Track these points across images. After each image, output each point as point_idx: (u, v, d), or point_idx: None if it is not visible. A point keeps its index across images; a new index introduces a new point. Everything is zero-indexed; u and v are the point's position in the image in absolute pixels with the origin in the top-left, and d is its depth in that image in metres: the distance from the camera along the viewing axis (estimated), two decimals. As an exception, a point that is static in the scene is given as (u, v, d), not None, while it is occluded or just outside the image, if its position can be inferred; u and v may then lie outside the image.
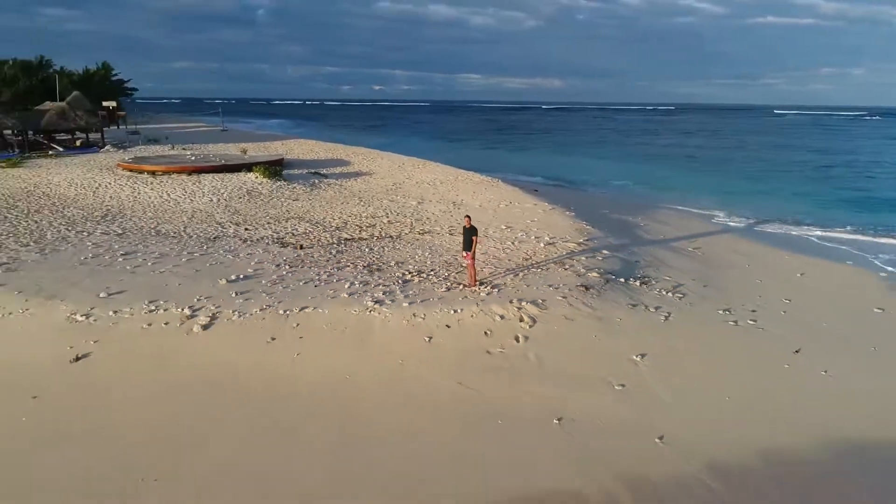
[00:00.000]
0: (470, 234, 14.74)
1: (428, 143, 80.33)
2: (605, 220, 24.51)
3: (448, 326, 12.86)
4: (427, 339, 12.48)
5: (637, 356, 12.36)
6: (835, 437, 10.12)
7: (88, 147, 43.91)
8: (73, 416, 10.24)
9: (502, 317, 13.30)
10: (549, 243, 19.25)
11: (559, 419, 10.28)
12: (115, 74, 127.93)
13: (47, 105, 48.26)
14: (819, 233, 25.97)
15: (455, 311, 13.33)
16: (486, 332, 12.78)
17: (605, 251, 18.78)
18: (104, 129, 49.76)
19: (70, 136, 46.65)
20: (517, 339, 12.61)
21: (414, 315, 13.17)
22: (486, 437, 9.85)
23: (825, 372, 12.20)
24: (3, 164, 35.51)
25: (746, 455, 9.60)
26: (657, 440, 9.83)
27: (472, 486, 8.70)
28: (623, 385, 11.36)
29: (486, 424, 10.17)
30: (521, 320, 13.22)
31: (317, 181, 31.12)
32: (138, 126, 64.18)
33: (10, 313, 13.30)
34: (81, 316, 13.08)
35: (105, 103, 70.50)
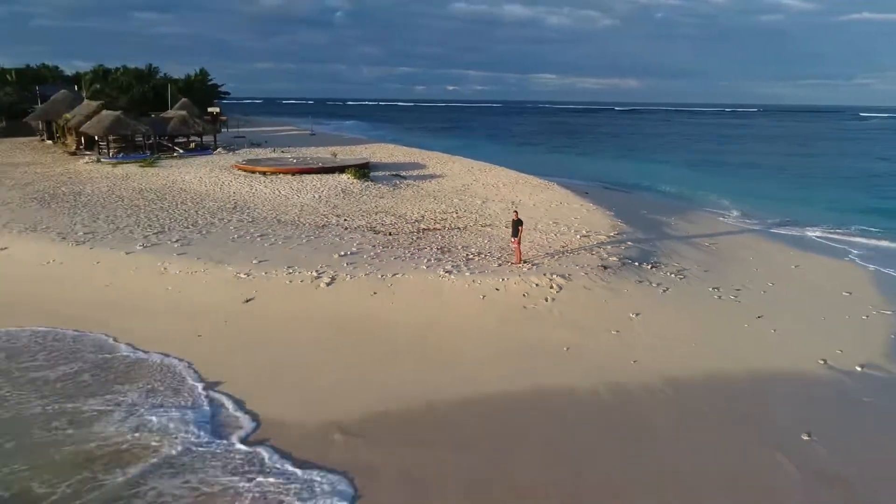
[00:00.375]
0: (517, 224, 19.77)
1: (496, 145, 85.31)
2: (640, 219, 28.88)
3: (497, 289, 17.94)
4: (482, 297, 17.62)
5: (633, 314, 17.07)
6: (759, 368, 14.59)
7: (203, 150, 51.32)
8: (250, 332, 15.96)
9: (537, 285, 18.26)
10: (585, 235, 23.98)
11: (567, 348, 15.20)
12: (211, 80, 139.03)
13: (170, 113, 56.07)
14: (831, 235, 29.23)
15: (503, 280, 18.40)
16: (524, 295, 17.78)
17: (629, 242, 23.35)
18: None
19: (185, 139, 54.32)
20: (546, 300, 17.55)
21: (473, 281, 18.32)
22: (516, 357, 14.89)
23: (774, 331, 16.55)
24: (142, 164, 43.05)
25: (694, 375, 14.24)
26: (632, 362, 14.61)
27: (506, 384, 13.77)
28: (618, 331, 16.14)
29: (518, 350, 15.21)
30: (551, 287, 18.14)
31: (398, 182, 36.73)
32: (240, 129, 71.97)
33: (195, 272, 19.35)
34: (244, 275, 18.96)
35: (210, 109, 78.89)
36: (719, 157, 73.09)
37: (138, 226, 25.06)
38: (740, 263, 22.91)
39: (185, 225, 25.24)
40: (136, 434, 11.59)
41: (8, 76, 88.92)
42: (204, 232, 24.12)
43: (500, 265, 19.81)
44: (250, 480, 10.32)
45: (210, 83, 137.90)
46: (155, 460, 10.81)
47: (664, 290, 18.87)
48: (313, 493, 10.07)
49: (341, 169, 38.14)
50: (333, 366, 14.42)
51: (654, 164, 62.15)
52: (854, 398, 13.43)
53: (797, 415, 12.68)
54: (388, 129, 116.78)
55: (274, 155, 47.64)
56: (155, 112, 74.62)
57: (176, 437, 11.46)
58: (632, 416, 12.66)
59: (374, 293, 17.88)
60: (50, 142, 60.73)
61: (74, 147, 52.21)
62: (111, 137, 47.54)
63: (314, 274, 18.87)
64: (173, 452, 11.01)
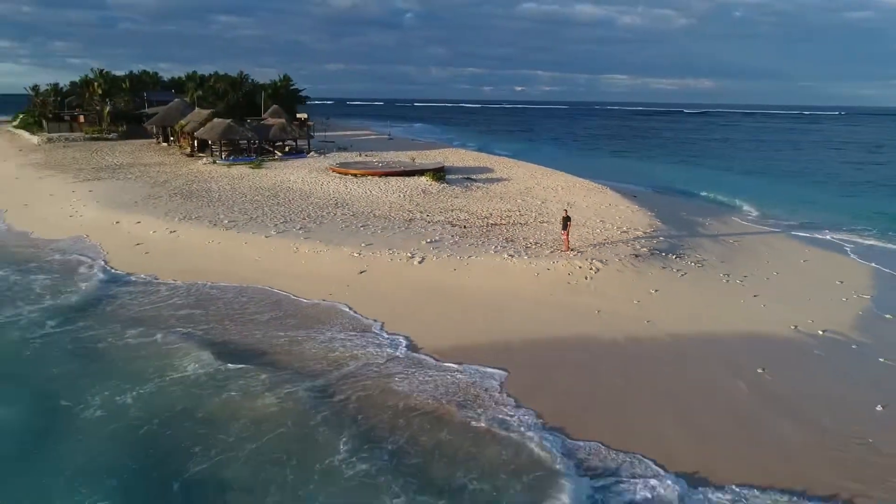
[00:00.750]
0: (566, 220, 25.18)
1: (560, 149, 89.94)
2: (677, 219, 33.59)
3: (548, 269, 23.42)
4: (536, 275, 23.14)
5: (653, 290, 22.21)
6: (742, 329, 19.53)
7: (298, 153, 58.60)
8: (370, 292, 22.02)
9: (580, 267, 23.61)
10: (624, 231, 29.07)
11: (598, 311, 20.56)
12: (293, 85, 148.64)
13: (270, 120, 63.75)
14: (848, 238, 32.85)
15: (553, 262, 23.85)
16: (568, 274, 23.18)
17: (661, 238, 28.30)
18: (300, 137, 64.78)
19: (281, 143, 61.79)
20: (585, 278, 22.90)
21: (530, 263, 23.86)
22: (561, 316, 20.34)
23: (763, 305, 21.37)
24: (251, 166, 50.51)
25: (690, 332, 19.33)
26: (646, 322, 19.83)
27: (553, 331, 19.29)
28: (638, 301, 21.36)
29: (561, 311, 20.67)
30: (591, 269, 23.46)
31: (469, 184, 42.50)
32: (327, 133, 79.53)
33: (319, 251, 25.71)
34: (356, 254, 25.16)
35: (298, 115, 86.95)
36: (775, 164, 75.34)
37: (266, 217, 31.80)
38: (755, 257, 27.48)
39: (302, 217, 31.79)
40: (340, 348, 17.86)
41: (123, 84, 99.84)
42: (318, 223, 30.58)
43: (551, 252, 25.27)
44: (425, 373, 16.45)
45: (292, 88, 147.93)
46: (356, 363, 17.02)
47: (682, 275, 23.87)
48: (482, 375, 16.33)
49: (421, 172, 44.27)
50: (433, 315, 20.30)
51: (707, 170, 65.56)
52: (807, 351, 18.25)
53: (759, 359, 17.62)
54: (456, 132, 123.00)
55: (360, 159, 54.32)
56: (250, 117, 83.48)
57: (365, 350, 17.71)
58: (641, 356, 17.92)
59: (454, 270, 23.70)
60: (165, 144, 69.74)
61: (190, 150, 60.53)
62: (222, 142, 55.37)
63: (408, 255, 24.86)
64: (376, 360, 17.19)
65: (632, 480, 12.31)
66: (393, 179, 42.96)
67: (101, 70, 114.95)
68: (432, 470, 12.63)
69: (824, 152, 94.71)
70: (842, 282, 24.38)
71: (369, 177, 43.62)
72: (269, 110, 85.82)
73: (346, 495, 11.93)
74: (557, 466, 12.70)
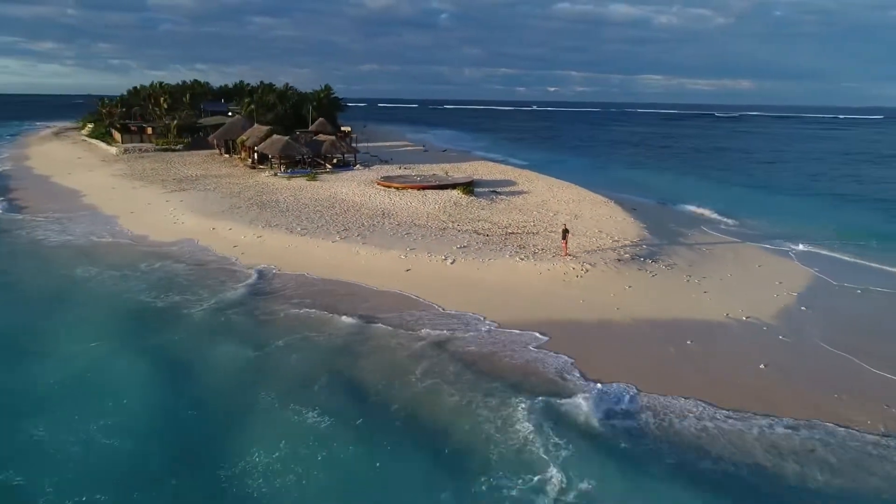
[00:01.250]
0: (565, 232, 32.65)
1: (582, 160, 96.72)
2: (664, 230, 40.67)
3: (548, 269, 30.92)
4: (539, 274, 30.65)
5: (627, 286, 29.55)
6: (685, 316, 26.77)
7: (345, 166, 66.83)
8: (417, 283, 29.80)
9: (573, 268, 31.03)
10: (615, 240, 36.35)
11: (582, 301, 28.00)
12: (333, 94, 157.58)
13: (322, 137, 72.19)
14: (807, 248, 39.53)
15: (553, 265, 31.32)
16: (564, 273, 30.64)
17: (644, 245, 35.50)
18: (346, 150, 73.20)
19: (329, 156, 70.11)
20: (576, 277, 30.33)
21: (535, 264, 31.39)
22: (556, 303, 27.82)
23: (710, 299, 28.53)
24: (307, 178, 58.85)
25: (648, 316, 26.62)
26: (616, 309, 27.21)
27: (549, 314, 26.82)
28: (614, 294, 28.73)
29: (554, 300, 28.16)
30: (581, 270, 30.86)
31: (494, 197, 50.05)
32: (369, 145, 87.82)
33: (375, 254, 33.62)
34: (402, 256, 33.00)
35: (343, 128, 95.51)
36: (777, 176, 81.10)
37: (329, 225, 39.90)
38: (720, 262, 34.51)
39: (358, 226, 39.78)
40: (411, 315, 25.76)
41: (184, 98, 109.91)
42: (371, 230, 38.51)
43: (553, 256, 32.73)
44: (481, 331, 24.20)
45: (333, 97, 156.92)
46: (444, 327, 24.87)
47: (653, 275, 31.14)
48: (531, 339, 23.99)
49: (453, 185, 52.01)
50: (466, 299, 27.94)
51: (710, 183, 71.79)
52: (728, 331, 25.44)
53: (691, 335, 24.85)
54: (486, 140, 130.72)
55: (401, 172, 62.31)
56: (298, 128, 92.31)
57: (434, 319, 25.52)
58: (610, 332, 25.30)
59: (478, 269, 31.36)
60: (227, 156, 78.78)
61: (251, 162, 69.28)
62: (281, 156, 63.90)
63: (443, 257, 32.60)
64: (463, 335, 24.99)
65: (598, 388, 19.83)
66: (430, 192, 50.75)
67: (161, 83, 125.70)
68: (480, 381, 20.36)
69: (833, 162, 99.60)
70: (781, 283, 31.34)
71: (409, 190, 51.50)
72: (316, 123, 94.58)
73: (421, 393, 19.73)
74: (567, 377, 20.41)
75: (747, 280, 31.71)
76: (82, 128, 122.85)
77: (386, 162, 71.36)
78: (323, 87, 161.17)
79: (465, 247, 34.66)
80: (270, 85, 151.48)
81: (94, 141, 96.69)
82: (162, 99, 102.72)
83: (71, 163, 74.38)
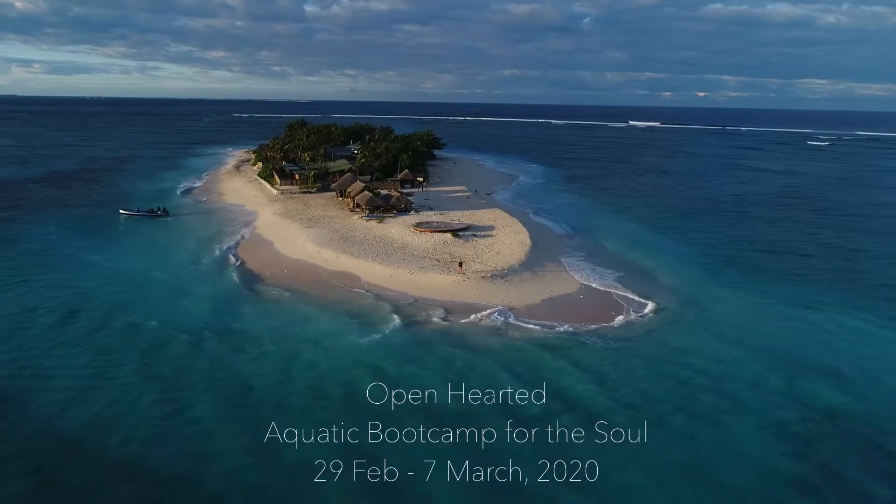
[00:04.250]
0: (460, 263, 73.52)
1: (632, 225, 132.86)
2: (542, 257, 79.43)
3: (452, 280, 71.99)
4: (450, 282, 71.72)
5: (482, 287, 69.87)
6: (483, 300, 66.90)
7: (404, 211, 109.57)
8: (394, 282, 71.92)
9: (464, 280, 71.66)
10: (498, 264, 76.16)
11: (462, 293, 68.75)
12: (433, 136, 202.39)
13: (392, 192, 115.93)
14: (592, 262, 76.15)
15: (455, 277, 72.22)
16: (460, 280, 71.47)
17: (510, 267, 75.02)
18: (412, 193, 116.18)
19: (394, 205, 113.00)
20: (462, 282, 71.08)
21: (447, 277, 72.47)
22: (451, 292, 68.74)
23: (507, 291, 68.18)
24: (377, 221, 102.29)
25: (480, 300, 66.93)
26: (473, 294, 67.80)
27: (449, 297, 68.02)
28: (477, 289, 69.26)
29: (452, 290, 69.16)
30: (466, 280, 71.48)
31: (469, 238, 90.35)
32: (428, 190, 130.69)
33: (380, 268, 76.31)
34: (393, 269, 75.40)
35: (418, 179, 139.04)
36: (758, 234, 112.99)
37: (370, 251, 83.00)
38: (541, 280, 73.25)
39: (384, 253, 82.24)
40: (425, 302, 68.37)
41: (321, 150, 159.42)
42: (388, 255, 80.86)
43: (459, 274, 73.40)
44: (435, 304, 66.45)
45: (432, 138, 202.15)
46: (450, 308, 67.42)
47: (495, 283, 70.95)
48: (425, 300, 66.05)
49: (451, 231, 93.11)
50: (410, 288, 69.52)
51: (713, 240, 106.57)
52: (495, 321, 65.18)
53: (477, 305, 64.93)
54: (571, 195, 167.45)
55: (433, 218, 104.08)
56: (390, 177, 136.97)
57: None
58: (464, 306, 65.86)
59: (420, 277, 72.86)
60: (341, 198, 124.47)
61: (351, 207, 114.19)
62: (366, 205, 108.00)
63: (409, 271, 74.42)
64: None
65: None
66: (436, 234, 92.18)
67: (308, 135, 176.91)
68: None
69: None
70: (551, 291, 69.89)
71: (426, 233, 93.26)
72: (402, 173, 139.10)
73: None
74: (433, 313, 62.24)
75: (541, 286, 70.60)
76: (254, 164, 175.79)
77: (430, 209, 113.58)
78: (426, 130, 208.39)
79: (423, 266, 76.07)
80: (386, 129, 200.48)
81: (262, 182, 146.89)
82: (307, 155, 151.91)
83: (249, 197, 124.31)
